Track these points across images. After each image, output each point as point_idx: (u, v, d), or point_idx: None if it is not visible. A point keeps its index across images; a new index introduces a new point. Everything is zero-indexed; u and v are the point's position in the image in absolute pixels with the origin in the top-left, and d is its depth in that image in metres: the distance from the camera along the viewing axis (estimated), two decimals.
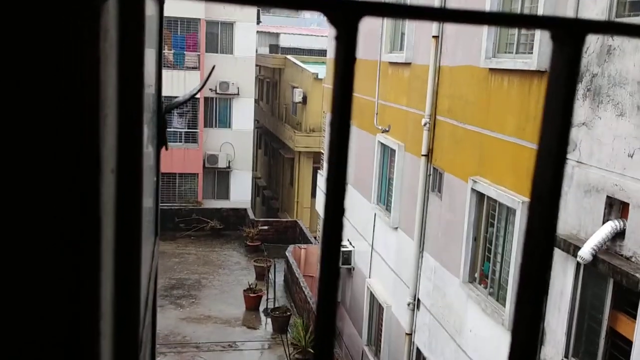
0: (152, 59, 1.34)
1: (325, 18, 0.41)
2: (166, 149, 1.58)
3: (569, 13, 6.78)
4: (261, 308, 17.51)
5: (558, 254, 6.85)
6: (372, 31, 13.31)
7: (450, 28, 9.91)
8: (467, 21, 0.43)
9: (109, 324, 0.63)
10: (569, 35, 0.43)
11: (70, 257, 0.50)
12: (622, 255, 6.00)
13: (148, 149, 1.19)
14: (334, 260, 0.43)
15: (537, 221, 0.46)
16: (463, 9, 0.43)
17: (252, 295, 17.46)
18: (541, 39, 7.30)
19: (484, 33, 8.61)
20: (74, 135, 0.47)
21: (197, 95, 24.83)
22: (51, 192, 0.48)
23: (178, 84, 23.89)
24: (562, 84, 0.43)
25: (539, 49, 7.31)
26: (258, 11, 27.24)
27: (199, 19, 24.97)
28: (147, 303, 1.04)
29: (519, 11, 8.11)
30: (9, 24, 0.44)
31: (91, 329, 0.53)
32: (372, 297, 13.17)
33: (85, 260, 0.50)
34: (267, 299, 17.29)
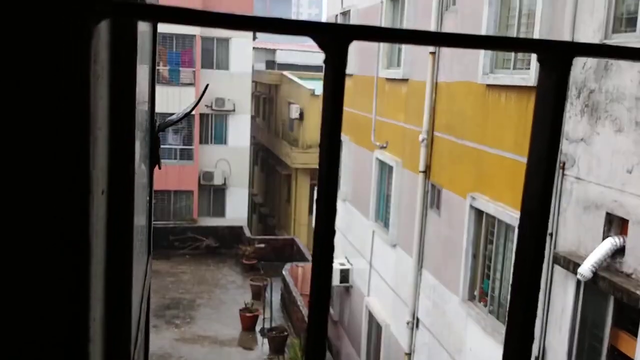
0: (146, 76, 1.30)
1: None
2: (159, 167, 1.53)
3: (566, 30, 6.78)
4: (257, 328, 17.34)
5: (558, 271, 6.79)
6: (368, 47, 13.35)
7: None
8: (457, 45, 0.44)
9: (99, 345, 0.63)
10: (556, 58, 0.43)
11: (59, 277, 0.49)
12: (622, 272, 5.94)
13: (141, 168, 1.15)
14: (326, 281, 0.43)
15: (528, 234, 0.49)
16: (452, 33, 0.43)
17: (248, 314, 17.29)
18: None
19: (481, 49, 8.62)
20: (63, 157, 0.46)
21: (193, 112, 24.83)
22: (40, 212, 0.47)
23: (173, 100, 23.89)
24: (550, 106, 0.43)
25: (537, 65, 7.30)
26: None
27: (195, 35, 25.06)
28: (139, 323, 1.00)
29: (515, 29, 8.13)
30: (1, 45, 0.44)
31: (81, 350, 0.52)
32: (371, 316, 13.05)
33: (74, 280, 0.50)
34: (263, 319, 17.13)
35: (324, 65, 0.38)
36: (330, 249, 0.42)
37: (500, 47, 0.45)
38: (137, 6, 0.35)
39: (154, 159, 1.51)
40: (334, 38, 0.35)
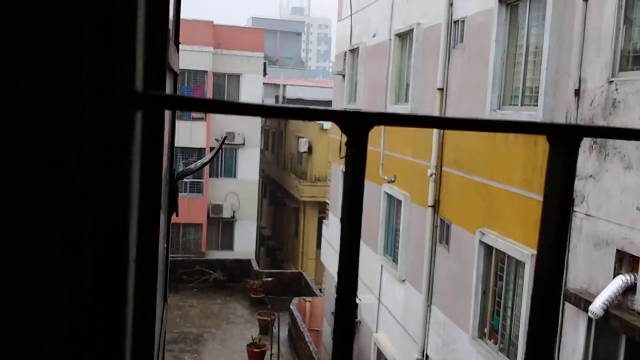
0: (166, 130, 1.35)
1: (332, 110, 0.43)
2: (177, 215, 1.57)
3: (573, 68, 6.85)
4: None
5: (569, 308, 6.72)
6: (377, 83, 13.50)
7: (455, 80, 10.04)
8: (467, 128, 0.46)
9: None
10: (564, 140, 0.45)
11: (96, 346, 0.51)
12: (634, 310, 5.87)
13: (162, 217, 1.18)
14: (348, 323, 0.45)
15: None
16: (464, 118, 0.46)
17: (255, 350, 17.11)
18: (546, 92, 7.36)
19: (489, 85, 8.71)
20: (105, 229, 0.49)
21: (204, 145, 25.04)
22: (81, 282, 0.49)
23: (184, 134, 24.15)
24: (560, 184, 0.45)
25: (544, 101, 7.36)
26: (264, 63, 27.76)
27: (206, 71, 25.43)
28: None
29: (522, 67, 8.21)
30: (56, 126, 0.47)
31: None
32: (379, 353, 12.89)
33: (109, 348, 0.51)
34: (271, 354, 16.93)
35: (346, 147, 0.41)
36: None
37: (511, 129, 0.48)
38: (171, 98, 0.39)
39: (172, 208, 1.54)
40: (357, 123, 0.39)
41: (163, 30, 0.79)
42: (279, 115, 0.39)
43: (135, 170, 0.53)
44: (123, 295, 0.49)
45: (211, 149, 25.90)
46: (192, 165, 2.29)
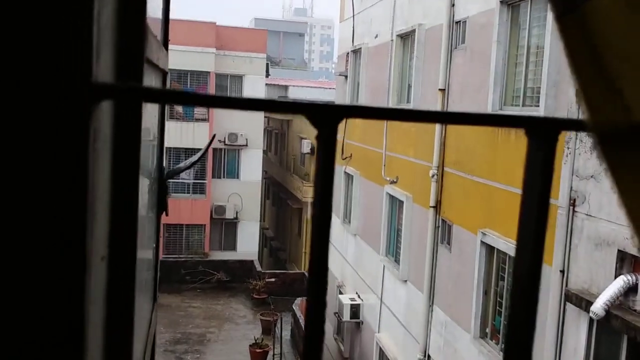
0: (155, 128, 1.35)
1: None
2: (166, 214, 1.58)
3: None
4: None
5: (571, 309, 6.71)
6: (379, 84, 13.51)
7: (457, 81, 10.04)
8: (448, 122, 0.46)
9: None
10: (542, 133, 0.45)
11: (54, 342, 0.49)
12: (635, 310, 5.87)
13: (148, 216, 1.19)
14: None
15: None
16: (442, 111, 0.48)
17: (258, 350, 17.12)
18: (547, 92, 7.36)
19: (490, 85, 8.71)
20: (59, 226, 0.47)
21: (204, 155, 25.04)
22: (33, 286, 0.48)
23: (187, 135, 24.18)
24: (539, 178, 0.45)
25: (546, 101, 7.36)
26: (267, 64, 27.77)
27: (209, 72, 25.46)
28: None
29: (524, 67, 8.21)
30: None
31: None
32: (382, 353, 12.89)
33: (70, 345, 0.50)
34: (273, 355, 16.94)
35: (316, 140, 0.42)
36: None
37: (489, 122, 0.47)
38: (135, 89, 0.39)
39: (161, 207, 1.55)
40: (326, 116, 0.39)
41: (139, 23, 0.78)
42: (246, 107, 0.40)
43: (100, 165, 0.52)
44: (81, 295, 0.48)
45: (214, 150, 25.94)
46: (182, 164, 2.30)
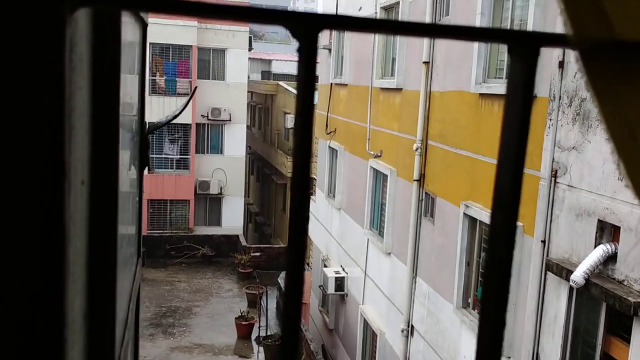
0: (135, 83, 1.33)
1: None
2: (149, 169, 1.57)
3: (558, 20, 6.85)
4: (253, 336, 17.31)
5: (551, 278, 6.83)
6: (363, 58, 13.44)
7: (441, 54, 10.02)
8: (423, 34, 0.45)
9: (79, 335, 0.61)
10: (523, 48, 0.44)
11: (33, 265, 0.48)
12: (614, 279, 5.98)
13: (130, 170, 1.18)
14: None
15: (499, 228, 0.49)
16: (419, 22, 0.44)
17: (244, 323, 17.26)
18: None
19: (474, 59, 8.71)
20: (37, 141, 0.47)
21: (189, 122, 24.89)
22: (11, 198, 0.47)
23: (170, 110, 23.91)
24: (520, 95, 0.44)
25: None
26: (250, 38, 27.46)
27: (191, 46, 25.14)
28: (126, 322, 1.02)
29: (509, 20, 8.21)
30: None
31: (56, 335, 0.51)
32: (366, 324, 13.05)
33: (49, 271, 0.49)
34: (259, 327, 17.10)
35: (297, 53, 0.41)
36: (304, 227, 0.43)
37: (470, 36, 0.46)
38: None
39: (143, 161, 1.54)
40: (306, 26, 0.39)
41: None
42: (219, 16, 0.39)
43: (77, 81, 0.51)
44: (60, 217, 0.47)
45: (197, 125, 25.76)
46: (163, 118, 2.29)
